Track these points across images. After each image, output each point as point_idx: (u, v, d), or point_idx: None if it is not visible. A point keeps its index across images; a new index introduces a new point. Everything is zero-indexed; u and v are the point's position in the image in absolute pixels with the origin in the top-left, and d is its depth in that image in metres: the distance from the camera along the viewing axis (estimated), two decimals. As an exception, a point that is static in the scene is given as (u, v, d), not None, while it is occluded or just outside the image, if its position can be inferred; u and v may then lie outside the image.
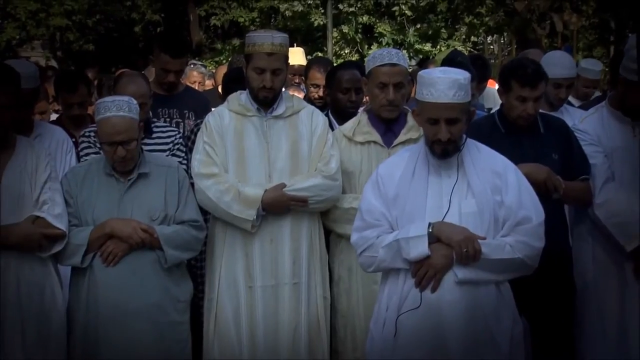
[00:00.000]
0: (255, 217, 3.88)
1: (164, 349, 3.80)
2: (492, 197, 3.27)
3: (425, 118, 3.26)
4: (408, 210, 3.30)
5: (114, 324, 3.72)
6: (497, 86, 4.37)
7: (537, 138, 4.06)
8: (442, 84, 3.19)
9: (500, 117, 4.13)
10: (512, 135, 4.03)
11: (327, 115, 4.69)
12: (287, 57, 4.06)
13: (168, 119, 4.90)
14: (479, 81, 4.89)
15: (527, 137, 4.03)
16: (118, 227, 3.70)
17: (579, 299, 4.19)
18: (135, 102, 3.81)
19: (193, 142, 4.26)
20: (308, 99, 5.30)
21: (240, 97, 4.08)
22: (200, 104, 5.11)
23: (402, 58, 4.09)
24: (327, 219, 4.11)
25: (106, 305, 3.73)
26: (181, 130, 4.75)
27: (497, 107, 4.41)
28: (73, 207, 3.78)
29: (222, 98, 4.54)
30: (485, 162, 3.35)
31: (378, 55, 4.07)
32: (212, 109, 4.41)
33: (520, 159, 3.83)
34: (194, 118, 4.94)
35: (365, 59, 4.19)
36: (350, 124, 4.21)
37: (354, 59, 21.41)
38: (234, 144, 4.00)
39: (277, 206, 3.93)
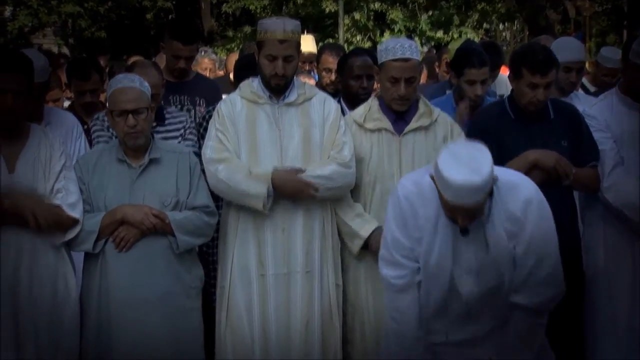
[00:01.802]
0: (266, 194, 3.86)
1: (176, 335, 3.82)
2: (508, 245, 3.15)
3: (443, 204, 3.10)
4: (432, 268, 3.19)
5: (125, 310, 3.74)
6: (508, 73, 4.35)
7: (547, 124, 4.06)
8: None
9: (510, 103, 4.12)
10: (521, 121, 4.03)
11: (338, 102, 4.69)
12: (299, 44, 4.04)
13: (179, 106, 4.91)
14: (491, 68, 4.86)
15: (536, 123, 4.03)
16: (130, 212, 3.72)
17: (589, 287, 4.19)
18: (146, 82, 3.84)
19: (205, 129, 4.25)
20: (320, 85, 5.30)
21: (252, 84, 4.08)
22: (211, 91, 5.10)
23: (415, 51, 4.03)
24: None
25: (118, 291, 3.75)
26: (192, 117, 4.76)
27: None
28: (85, 193, 3.80)
29: (234, 85, 4.54)
30: (504, 204, 3.13)
31: (391, 48, 3.99)
32: (224, 96, 4.41)
33: (529, 145, 3.82)
34: (204, 105, 4.94)
35: (378, 47, 4.15)
36: (361, 109, 4.18)
37: (366, 46, 21.42)
38: (246, 131, 3.99)
39: (288, 186, 3.90)
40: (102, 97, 5.36)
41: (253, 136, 3.99)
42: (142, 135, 3.78)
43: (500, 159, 3.35)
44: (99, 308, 3.79)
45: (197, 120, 4.76)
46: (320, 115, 4.05)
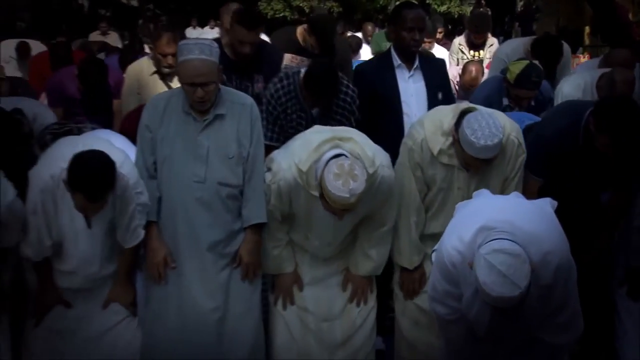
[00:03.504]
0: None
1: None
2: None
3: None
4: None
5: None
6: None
7: None
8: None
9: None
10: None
11: (389, 50, 4.87)
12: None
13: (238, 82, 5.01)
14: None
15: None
16: None
17: (619, 296, 4.23)
18: (216, 45, 3.84)
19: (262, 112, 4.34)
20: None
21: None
22: (271, 65, 5.11)
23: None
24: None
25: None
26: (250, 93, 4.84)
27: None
28: (152, 141, 3.89)
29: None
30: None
31: (474, 147, 3.75)
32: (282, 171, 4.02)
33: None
34: (262, 81, 5.02)
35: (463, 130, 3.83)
36: (438, 142, 3.94)
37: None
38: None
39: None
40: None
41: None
42: (210, 103, 3.84)
43: None
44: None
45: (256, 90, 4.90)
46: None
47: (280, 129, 4.48)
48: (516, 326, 3.21)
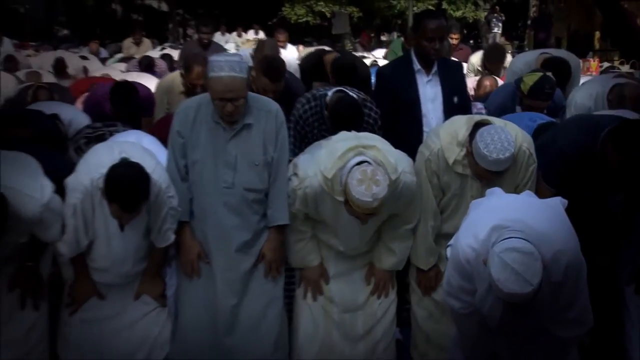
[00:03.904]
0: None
1: None
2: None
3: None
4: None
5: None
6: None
7: None
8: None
9: None
10: None
11: (409, 54, 4.89)
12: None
13: None
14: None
15: None
16: None
17: (628, 294, 4.17)
18: (245, 62, 3.84)
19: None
20: None
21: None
22: (287, 99, 5.09)
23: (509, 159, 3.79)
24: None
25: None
26: None
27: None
28: (183, 146, 3.91)
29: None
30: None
31: (487, 160, 3.76)
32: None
33: None
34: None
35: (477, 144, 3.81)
36: (453, 152, 3.96)
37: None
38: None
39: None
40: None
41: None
42: (238, 116, 3.85)
43: None
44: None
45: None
46: None
47: (306, 146, 4.48)
48: (527, 320, 3.20)
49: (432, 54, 4.78)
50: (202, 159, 3.90)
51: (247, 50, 8.95)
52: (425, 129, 4.73)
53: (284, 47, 10.37)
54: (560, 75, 5.64)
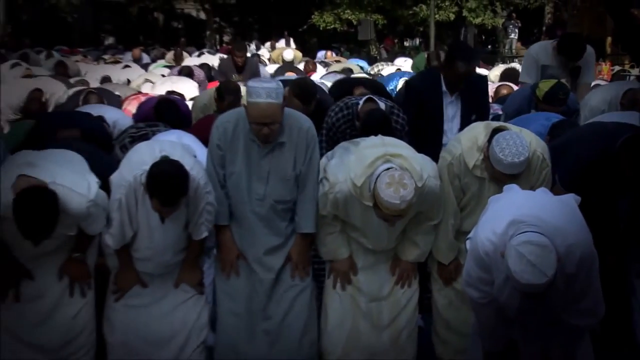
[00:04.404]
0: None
1: None
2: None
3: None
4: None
5: None
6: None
7: None
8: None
9: None
10: None
11: (439, 73, 4.96)
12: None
13: None
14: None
15: None
16: None
17: (638, 287, 4.14)
18: (282, 88, 3.82)
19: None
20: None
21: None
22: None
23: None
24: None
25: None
26: None
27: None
28: (222, 158, 3.93)
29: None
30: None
31: (502, 163, 3.77)
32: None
33: None
34: None
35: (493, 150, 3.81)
36: (473, 157, 3.98)
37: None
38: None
39: None
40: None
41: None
42: (273, 138, 3.88)
43: None
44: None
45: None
46: None
47: None
48: (542, 310, 3.20)
49: (457, 87, 4.93)
50: (238, 172, 3.94)
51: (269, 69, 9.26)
52: (444, 141, 4.87)
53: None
54: (574, 48, 5.92)
